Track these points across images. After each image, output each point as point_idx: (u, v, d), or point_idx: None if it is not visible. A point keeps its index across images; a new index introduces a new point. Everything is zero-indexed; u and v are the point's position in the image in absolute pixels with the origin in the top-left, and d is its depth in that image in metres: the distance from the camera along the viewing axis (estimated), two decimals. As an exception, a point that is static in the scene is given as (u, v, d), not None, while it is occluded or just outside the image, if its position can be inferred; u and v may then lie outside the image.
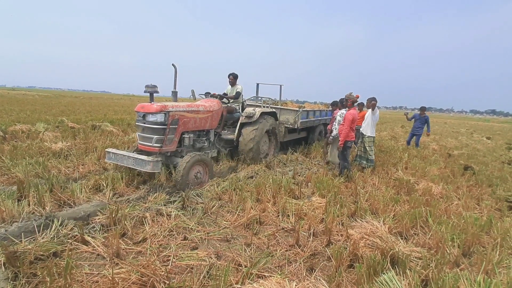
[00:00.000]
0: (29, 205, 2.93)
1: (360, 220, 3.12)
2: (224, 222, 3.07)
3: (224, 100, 5.50)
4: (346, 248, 2.48)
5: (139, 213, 2.98)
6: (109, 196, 3.40)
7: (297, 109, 6.74)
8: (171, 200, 3.46)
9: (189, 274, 2.14)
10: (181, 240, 2.64)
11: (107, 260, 2.24)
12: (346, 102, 5.03)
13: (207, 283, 2.05)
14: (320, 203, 3.56)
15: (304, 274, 2.24)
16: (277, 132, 6.23)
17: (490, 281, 1.93)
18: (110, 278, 1.86)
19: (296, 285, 1.96)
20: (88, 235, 2.50)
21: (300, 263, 2.38)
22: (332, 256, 2.44)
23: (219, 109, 5.02)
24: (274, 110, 6.22)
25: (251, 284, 1.95)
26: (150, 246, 2.44)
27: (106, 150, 4.22)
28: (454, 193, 4.40)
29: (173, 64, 4.35)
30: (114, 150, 4.11)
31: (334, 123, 5.74)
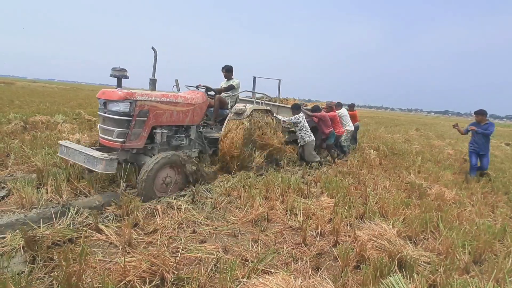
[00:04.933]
0: (47, 192, 3.06)
1: (369, 222, 3.10)
2: (232, 218, 3.12)
3: (211, 93, 4.87)
4: (353, 249, 2.48)
5: (150, 205, 3.06)
6: (122, 187, 3.51)
7: None
8: (181, 193, 3.53)
9: (197, 266, 2.20)
10: (190, 233, 2.70)
11: (119, 249, 2.32)
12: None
13: (214, 276, 2.10)
14: (329, 203, 3.55)
15: (310, 273, 2.26)
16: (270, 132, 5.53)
17: (500, 290, 1.89)
18: (122, 266, 1.94)
19: (301, 282, 1.98)
20: (102, 224, 2.59)
21: (306, 262, 2.40)
22: (338, 256, 2.45)
23: (203, 103, 4.34)
24: (268, 107, 5.53)
25: (257, 278, 1.99)
26: (160, 237, 2.51)
27: (58, 142, 3.68)
28: (467, 199, 4.29)
29: (152, 48, 3.77)
30: (67, 143, 3.55)
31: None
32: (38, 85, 37.09)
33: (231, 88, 5.09)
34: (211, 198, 3.51)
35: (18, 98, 14.62)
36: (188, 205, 3.24)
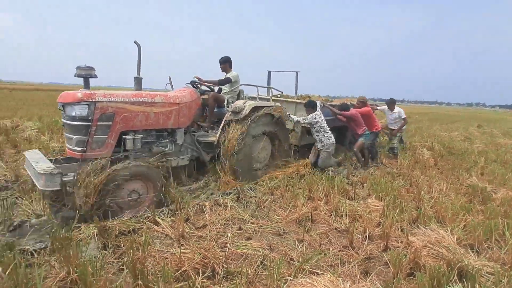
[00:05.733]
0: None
1: (424, 227, 2.89)
2: (276, 217, 3.17)
3: (204, 87, 4.31)
4: (406, 255, 2.34)
5: (199, 202, 3.26)
6: (174, 185, 3.72)
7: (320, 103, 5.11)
8: (227, 192, 3.69)
9: (244, 261, 2.29)
10: (236, 230, 2.82)
11: (174, 241, 2.52)
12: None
13: (261, 272, 2.17)
14: (377, 206, 3.40)
15: (358, 277, 2.20)
16: (285, 134, 4.71)
17: None
18: (178, 256, 2.11)
19: (350, 286, 1.94)
20: (159, 217, 2.84)
21: (354, 265, 2.34)
22: (389, 262, 2.34)
23: (192, 101, 3.80)
24: (279, 103, 4.75)
25: (304, 278, 2.01)
26: (209, 232, 2.67)
27: (24, 153, 3.38)
28: (544, 206, 3.73)
29: (135, 42, 3.35)
30: (29, 154, 3.20)
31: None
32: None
33: (227, 81, 4.38)
34: (255, 196, 3.60)
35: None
36: (234, 203, 3.37)
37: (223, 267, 2.12)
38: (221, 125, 4.04)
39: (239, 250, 2.42)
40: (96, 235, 2.41)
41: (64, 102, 2.92)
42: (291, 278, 2.05)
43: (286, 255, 2.40)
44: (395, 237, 2.78)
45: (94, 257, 2.06)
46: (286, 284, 1.99)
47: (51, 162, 2.99)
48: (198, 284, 1.89)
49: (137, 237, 2.45)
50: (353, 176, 4.84)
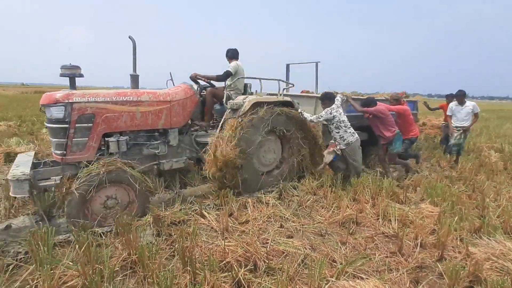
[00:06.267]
0: (165, 181, 3.74)
1: (487, 238, 2.59)
2: (319, 217, 3.12)
3: (201, 83, 3.96)
4: (464, 267, 2.13)
5: (242, 198, 3.37)
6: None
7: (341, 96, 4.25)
8: (269, 189, 3.74)
9: (285, 259, 2.32)
10: (278, 227, 2.86)
11: (218, 233, 2.67)
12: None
13: (301, 271, 2.18)
14: (431, 212, 3.13)
15: (408, 285, 2.07)
16: (295, 134, 4.01)
17: None
18: (222, 248, 2.24)
19: (397, 293, 1.84)
20: (205, 211, 3.02)
21: (403, 273, 2.20)
22: (445, 273, 2.14)
23: (186, 99, 3.49)
24: (288, 98, 4.05)
25: (347, 281, 1.96)
26: (252, 228, 2.75)
27: (19, 154, 3.36)
28: None
29: (130, 37, 3.16)
30: (20, 157, 3.13)
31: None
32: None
33: (226, 75, 3.88)
34: (297, 195, 3.60)
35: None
36: (276, 200, 3.41)
37: (264, 262, 2.18)
38: (220, 124, 3.65)
39: (280, 247, 2.46)
40: (151, 223, 2.67)
41: (42, 103, 2.75)
42: (333, 280, 2.02)
43: (328, 256, 2.37)
44: (452, 246, 2.54)
45: (150, 243, 2.29)
46: (327, 285, 1.97)
47: (40, 166, 2.97)
48: (241, 275, 1.98)
49: (186, 227, 2.66)
50: (405, 178, 4.51)
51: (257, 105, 3.58)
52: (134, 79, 3.33)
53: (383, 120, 4.40)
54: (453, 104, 5.58)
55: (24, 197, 2.87)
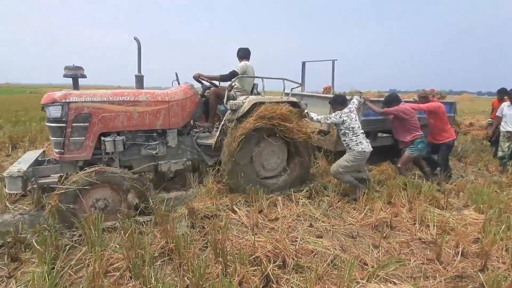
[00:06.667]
0: (199, 176, 3.91)
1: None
2: (350, 219, 3.07)
3: (204, 83, 3.91)
4: (506, 278, 1.97)
5: (273, 196, 3.42)
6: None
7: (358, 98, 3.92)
8: (300, 188, 3.74)
9: (314, 258, 2.32)
10: (307, 227, 2.86)
11: (248, 229, 2.75)
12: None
13: (331, 271, 2.17)
14: (476, 219, 2.91)
15: (445, 294, 1.97)
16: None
17: None
18: (252, 243, 2.31)
19: (432, 301, 1.76)
20: (236, 206, 3.12)
21: (440, 281, 2.09)
22: (486, 284, 2.00)
23: (186, 99, 3.45)
24: (295, 98, 3.84)
25: (378, 284, 1.92)
26: (281, 225, 2.80)
27: (26, 153, 3.47)
28: None
29: (135, 38, 3.18)
30: (27, 155, 3.23)
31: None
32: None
33: (232, 75, 3.77)
34: (327, 195, 3.55)
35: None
36: (306, 199, 3.41)
37: (293, 259, 2.22)
38: (220, 125, 3.58)
39: (310, 246, 2.47)
40: (186, 215, 2.84)
41: (42, 103, 2.84)
42: (364, 282, 1.99)
43: (358, 258, 2.33)
44: (496, 256, 2.35)
45: (185, 233, 2.45)
46: (357, 287, 1.95)
47: (44, 163, 3.09)
48: (270, 270, 2.03)
49: (218, 221, 2.78)
50: (447, 183, 4.22)
51: (257, 105, 3.42)
52: (139, 80, 3.36)
53: (406, 121, 3.93)
54: (505, 105, 4.89)
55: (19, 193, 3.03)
